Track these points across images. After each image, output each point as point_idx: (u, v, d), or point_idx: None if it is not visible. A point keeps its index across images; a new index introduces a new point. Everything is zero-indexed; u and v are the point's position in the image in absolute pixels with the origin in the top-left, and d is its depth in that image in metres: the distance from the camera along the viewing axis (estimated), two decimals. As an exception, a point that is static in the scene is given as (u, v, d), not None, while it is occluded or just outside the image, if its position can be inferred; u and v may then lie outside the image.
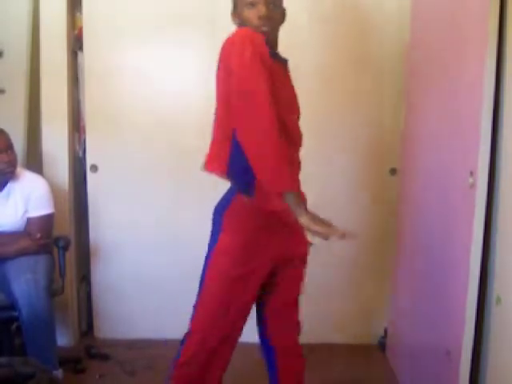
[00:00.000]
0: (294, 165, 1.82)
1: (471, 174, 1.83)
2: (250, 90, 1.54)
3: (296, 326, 1.98)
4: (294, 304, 1.96)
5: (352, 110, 2.91)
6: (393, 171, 2.93)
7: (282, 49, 1.85)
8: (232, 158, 1.73)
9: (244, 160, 1.61)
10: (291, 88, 1.85)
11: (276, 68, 1.68)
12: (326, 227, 1.56)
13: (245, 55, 1.55)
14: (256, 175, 1.61)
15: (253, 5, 1.72)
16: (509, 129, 1.77)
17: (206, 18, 2.82)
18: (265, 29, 1.72)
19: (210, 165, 1.81)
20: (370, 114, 2.90)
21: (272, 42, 1.77)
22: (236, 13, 1.82)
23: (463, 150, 1.94)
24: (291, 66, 1.86)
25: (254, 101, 1.54)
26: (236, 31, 1.70)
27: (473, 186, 1.82)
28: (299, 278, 1.95)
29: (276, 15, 1.77)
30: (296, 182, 1.79)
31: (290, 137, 1.75)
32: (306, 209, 1.60)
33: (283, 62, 1.83)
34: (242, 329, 1.87)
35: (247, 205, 1.74)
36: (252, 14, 1.72)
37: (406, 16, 2.69)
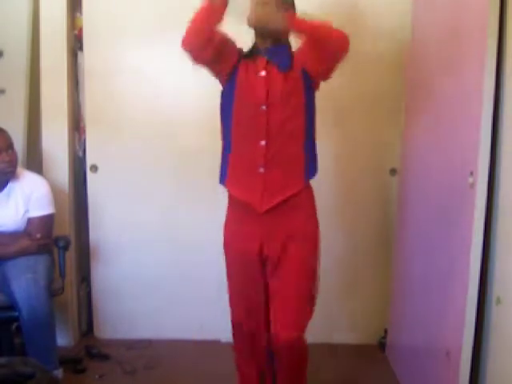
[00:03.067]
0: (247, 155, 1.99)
1: (471, 173, 1.83)
2: None
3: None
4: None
5: (351, 111, 2.91)
6: (393, 171, 2.93)
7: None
8: None
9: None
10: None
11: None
12: None
13: None
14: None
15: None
16: (509, 129, 1.77)
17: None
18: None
19: None
20: (370, 114, 2.90)
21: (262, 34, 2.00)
22: None
23: (463, 150, 1.94)
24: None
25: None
26: None
27: (473, 185, 1.82)
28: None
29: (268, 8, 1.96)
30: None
31: (244, 128, 2.00)
32: None
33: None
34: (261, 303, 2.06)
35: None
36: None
37: (406, 17, 2.69)
